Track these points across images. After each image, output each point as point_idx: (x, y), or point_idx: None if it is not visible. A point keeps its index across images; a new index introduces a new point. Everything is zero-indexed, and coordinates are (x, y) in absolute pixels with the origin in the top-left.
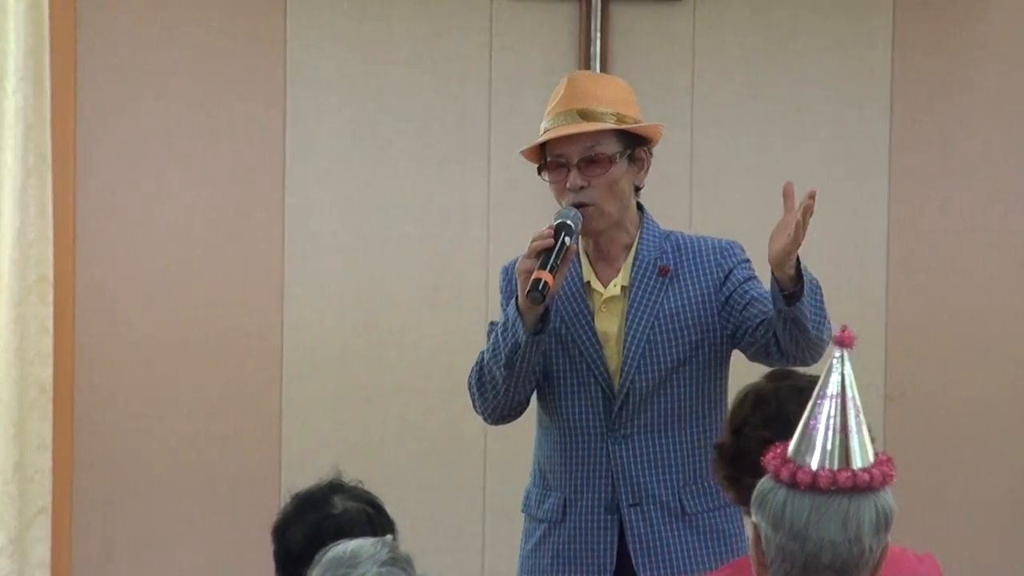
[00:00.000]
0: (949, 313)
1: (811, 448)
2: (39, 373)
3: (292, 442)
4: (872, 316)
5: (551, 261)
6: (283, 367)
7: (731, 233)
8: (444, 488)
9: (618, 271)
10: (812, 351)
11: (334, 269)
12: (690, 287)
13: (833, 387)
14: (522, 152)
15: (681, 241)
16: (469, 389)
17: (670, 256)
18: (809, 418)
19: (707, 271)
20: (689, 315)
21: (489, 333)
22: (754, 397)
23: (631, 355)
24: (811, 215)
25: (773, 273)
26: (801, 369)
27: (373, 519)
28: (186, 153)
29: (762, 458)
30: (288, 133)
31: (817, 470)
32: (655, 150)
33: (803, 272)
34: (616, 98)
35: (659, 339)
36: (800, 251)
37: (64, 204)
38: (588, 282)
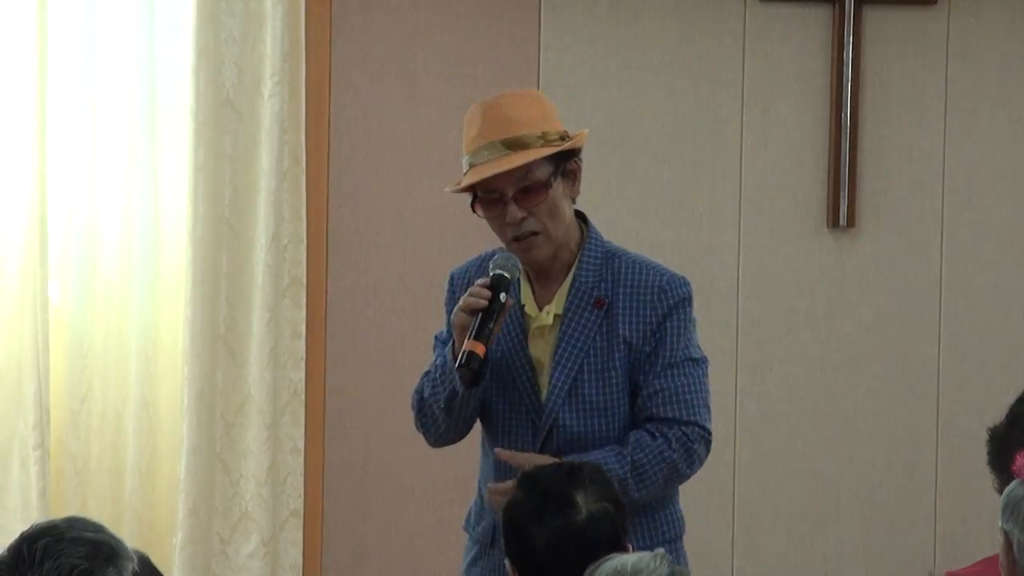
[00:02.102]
0: None
1: None
2: (292, 376)
3: None
4: None
5: (486, 328)
6: None
7: (984, 237)
8: (693, 492)
9: (554, 295)
10: None
11: None
12: (622, 326)
13: None
14: (449, 189)
15: (623, 269)
16: (412, 409)
17: (608, 285)
18: None
19: (642, 311)
20: (618, 354)
21: (435, 347)
22: None
23: (554, 395)
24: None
25: None
26: None
27: (615, 519)
28: (438, 157)
29: (1012, 466)
30: None
31: None
32: (911, 152)
33: None
34: (536, 116)
35: (585, 379)
36: None
37: (317, 208)
38: (524, 305)
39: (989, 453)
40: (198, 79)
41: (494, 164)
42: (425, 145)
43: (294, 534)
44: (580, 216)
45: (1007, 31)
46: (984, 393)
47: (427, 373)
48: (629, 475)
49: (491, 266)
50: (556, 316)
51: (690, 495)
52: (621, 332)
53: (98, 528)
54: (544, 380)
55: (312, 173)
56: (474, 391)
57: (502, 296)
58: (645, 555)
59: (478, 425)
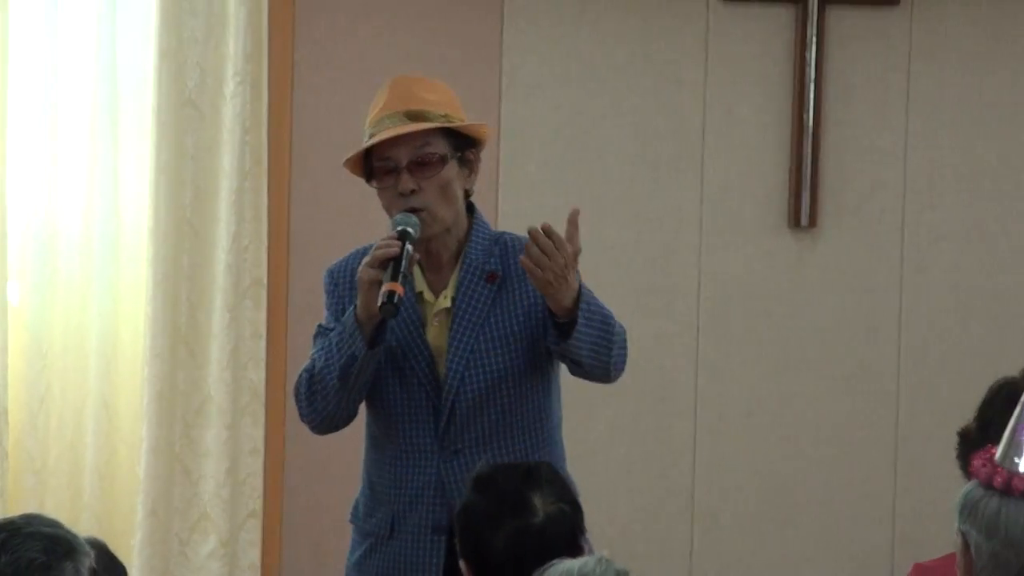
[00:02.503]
0: None
1: (1021, 453)
2: (252, 377)
3: None
4: None
5: (400, 271)
6: None
7: (944, 238)
8: (652, 493)
9: (448, 280)
10: (596, 376)
11: None
12: (518, 292)
13: None
14: (345, 163)
15: (511, 243)
16: (296, 396)
17: (498, 260)
18: (1017, 423)
19: None
20: (517, 323)
21: (316, 337)
22: (1007, 392)
23: (454, 367)
24: (539, 256)
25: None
26: None
27: (571, 519)
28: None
29: (970, 467)
30: (502, 138)
31: None
32: (872, 152)
33: (583, 305)
34: (442, 100)
35: (483, 348)
36: (1017, 253)
37: (279, 208)
38: (421, 292)
39: (959, 456)
40: (160, 79)
41: (392, 130)
42: None
43: (253, 535)
44: (470, 209)
45: (969, 32)
46: (943, 394)
47: (313, 357)
48: (603, 316)
49: (393, 223)
50: (453, 299)
51: (649, 496)
52: (519, 299)
53: (55, 524)
54: (443, 365)
55: (274, 174)
56: (373, 355)
57: (409, 247)
58: (590, 560)
59: (362, 421)
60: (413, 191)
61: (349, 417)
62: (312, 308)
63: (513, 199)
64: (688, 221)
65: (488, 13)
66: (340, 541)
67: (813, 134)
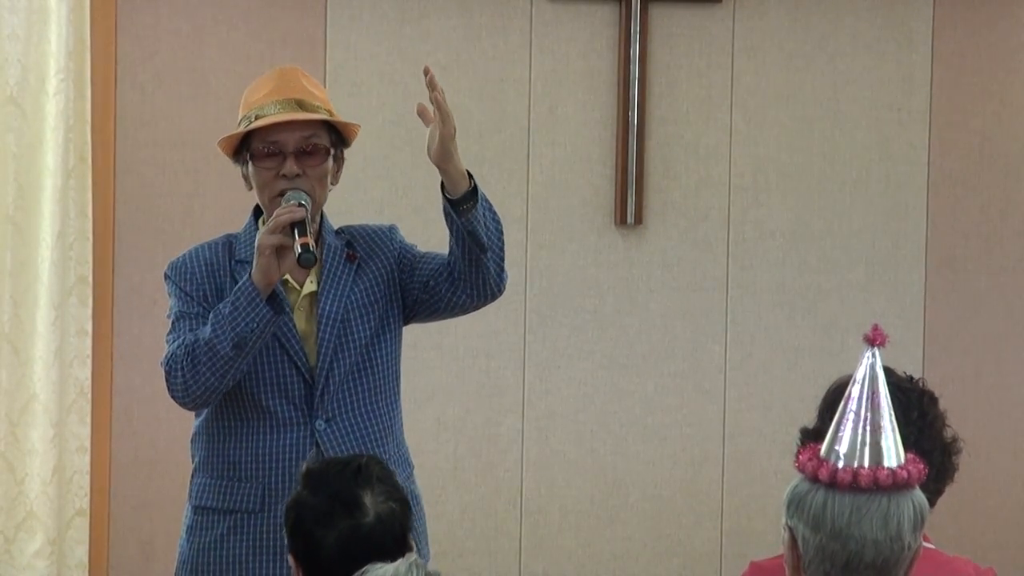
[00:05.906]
0: (987, 315)
1: (844, 447)
2: (78, 375)
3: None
4: (910, 318)
5: (307, 228)
6: None
7: (770, 235)
8: (481, 490)
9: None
10: (490, 273)
11: None
12: (373, 266)
13: (865, 387)
14: (221, 141)
15: (351, 230)
16: (170, 372)
17: (349, 245)
18: (841, 418)
19: (384, 248)
20: (378, 291)
21: (177, 321)
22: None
23: (326, 338)
24: (439, 93)
25: (443, 183)
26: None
27: (400, 518)
28: (224, 155)
29: (795, 463)
30: None
31: (857, 469)
32: (698, 150)
33: (478, 186)
34: (323, 98)
35: (352, 317)
36: (840, 251)
37: (103, 205)
38: (286, 281)
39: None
40: None
41: (287, 115)
42: (211, 142)
43: (80, 533)
44: None
45: (790, 30)
46: (769, 391)
47: (185, 336)
48: (492, 208)
49: (286, 199)
50: (318, 283)
51: (477, 492)
52: (377, 273)
53: None
54: (311, 348)
55: (98, 171)
56: (276, 320)
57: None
58: (401, 564)
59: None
60: (297, 175)
61: (226, 389)
62: (138, 305)
63: (338, 197)
64: (515, 219)
65: (312, 10)
66: (168, 539)
67: (638, 132)
